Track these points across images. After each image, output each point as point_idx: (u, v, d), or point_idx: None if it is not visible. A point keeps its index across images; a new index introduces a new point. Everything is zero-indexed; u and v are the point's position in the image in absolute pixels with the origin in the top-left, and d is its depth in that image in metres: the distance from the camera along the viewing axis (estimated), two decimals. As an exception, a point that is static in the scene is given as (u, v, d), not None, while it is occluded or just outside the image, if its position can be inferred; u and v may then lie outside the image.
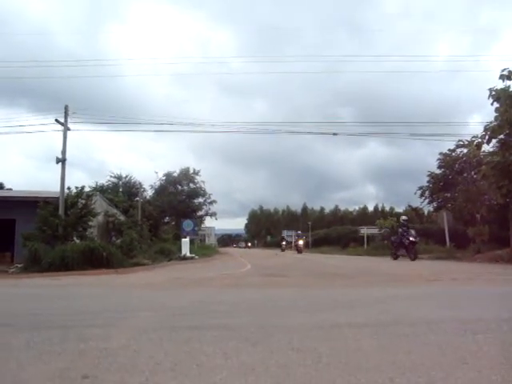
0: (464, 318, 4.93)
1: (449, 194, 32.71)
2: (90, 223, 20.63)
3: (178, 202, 50.05)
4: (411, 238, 22.72)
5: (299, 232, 54.34)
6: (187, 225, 31.87)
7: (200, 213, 53.86)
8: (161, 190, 51.68)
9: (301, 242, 44.93)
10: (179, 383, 2.74)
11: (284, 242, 55.01)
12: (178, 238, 33.05)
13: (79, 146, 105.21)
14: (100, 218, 24.72)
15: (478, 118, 70.89)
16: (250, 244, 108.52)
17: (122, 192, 42.56)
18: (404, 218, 26.12)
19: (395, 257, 24.08)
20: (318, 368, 3.05)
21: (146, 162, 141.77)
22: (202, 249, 39.24)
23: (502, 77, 19.69)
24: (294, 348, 3.60)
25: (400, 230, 24.39)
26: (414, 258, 21.94)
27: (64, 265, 15.63)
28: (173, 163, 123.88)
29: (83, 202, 20.30)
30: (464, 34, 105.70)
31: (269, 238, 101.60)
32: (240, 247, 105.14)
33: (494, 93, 20.09)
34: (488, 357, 3.31)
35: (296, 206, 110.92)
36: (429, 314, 5.48)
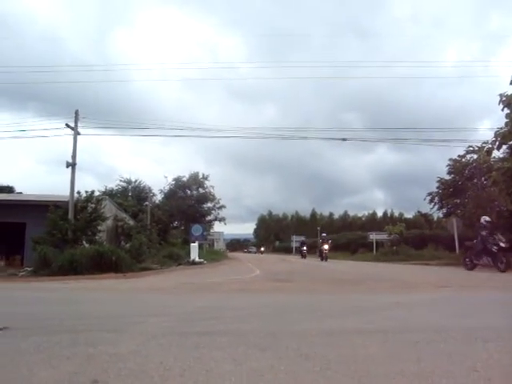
0: (474, 326, 4.90)
1: (458, 200, 32.57)
2: (100, 227, 20.73)
3: (187, 207, 50.19)
4: (501, 244, 18.02)
5: (324, 234, 41.05)
6: (196, 229, 31.89)
7: (209, 218, 54.02)
8: (170, 195, 51.86)
9: (326, 247, 35.11)
10: (188, 389, 2.75)
11: (305, 248, 46.17)
12: (186, 243, 33.08)
13: (88, 150, 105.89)
14: (109, 222, 24.83)
15: (488, 123, 70.77)
16: (262, 249, 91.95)
17: (132, 196, 42.78)
18: (487, 218, 20.00)
19: (472, 266, 19.20)
20: (327, 375, 3.04)
21: (155, 167, 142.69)
22: (210, 254, 39.23)
23: (512, 82, 19.62)
24: (302, 354, 3.59)
25: (483, 233, 19.02)
26: (504, 269, 17.17)
27: (73, 269, 15.70)
28: (182, 168, 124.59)
29: (93, 206, 20.40)
30: (473, 40, 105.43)
31: (277, 243, 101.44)
32: (251, 252, 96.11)
33: (504, 98, 20.02)
34: (499, 365, 3.28)
35: (305, 212, 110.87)
36: (438, 321, 5.44)
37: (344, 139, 26.15)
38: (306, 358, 3.48)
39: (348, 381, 2.90)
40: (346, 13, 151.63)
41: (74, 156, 20.26)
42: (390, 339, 4.20)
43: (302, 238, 69.84)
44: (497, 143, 21.95)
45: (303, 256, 44.68)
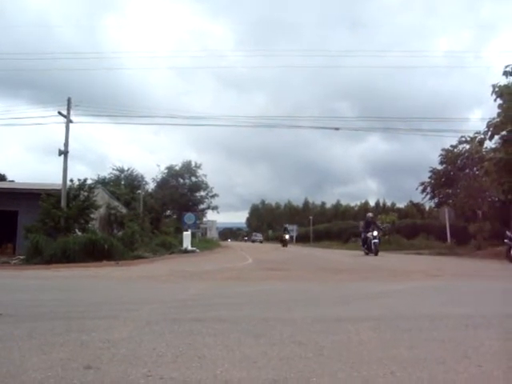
0: (465, 314, 4.94)
1: (450, 190, 32.67)
2: (92, 215, 20.66)
3: (179, 196, 50.15)
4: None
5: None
6: (189, 218, 31.86)
7: (202, 206, 54.01)
8: (163, 183, 51.75)
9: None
10: (181, 375, 2.75)
11: (287, 236, 47.30)
12: (179, 232, 33.03)
13: (80, 138, 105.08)
14: (102, 210, 24.73)
15: (479, 112, 71.01)
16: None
17: (124, 185, 42.62)
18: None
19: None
20: (320, 361, 3.06)
21: (147, 155, 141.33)
22: (203, 242, 39.20)
23: (505, 73, 19.68)
24: (295, 341, 3.61)
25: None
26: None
27: (65, 257, 15.65)
28: (174, 156, 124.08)
29: (85, 194, 20.32)
30: (464, 28, 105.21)
31: (270, 232, 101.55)
32: (255, 241, 77.70)
33: (497, 89, 20.06)
34: (489, 352, 3.31)
35: (297, 201, 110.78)
36: (430, 308, 5.48)
37: (337, 129, 26.19)
38: (299, 345, 3.50)
39: (341, 366, 2.92)
40: (336, 1, 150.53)
41: (66, 144, 20.13)
42: (382, 326, 4.23)
43: (295, 227, 70.18)
44: (489, 133, 21.99)
45: (284, 244, 42.94)
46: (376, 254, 21.01)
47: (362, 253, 22.65)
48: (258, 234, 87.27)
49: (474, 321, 4.43)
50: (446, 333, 3.95)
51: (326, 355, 3.20)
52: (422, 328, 4.14)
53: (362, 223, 29.17)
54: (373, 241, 21.76)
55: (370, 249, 21.97)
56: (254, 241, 79.08)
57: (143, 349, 3.38)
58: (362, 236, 23.65)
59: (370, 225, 22.97)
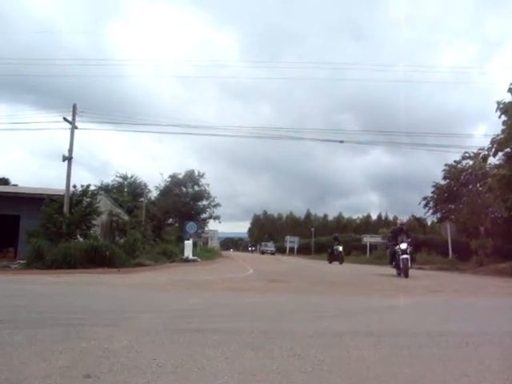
0: (466, 331, 4.91)
1: (453, 206, 32.67)
2: (94, 222, 20.69)
3: (182, 204, 50.13)
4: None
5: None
6: (191, 227, 31.82)
7: (204, 215, 53.97)
8: (165, 192, 51.80)
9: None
10: (180, 386, 2.75)
11: (341, 248, 31.82)
12: (180, 240, 33.05)
13: (84, 144, 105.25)
14: (104, 217, 24.79)
15: (483, 128, 71.06)
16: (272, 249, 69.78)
17: (127, 192, 42.65)
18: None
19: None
20: (319, 376, 3.05)
21: (150, 163, 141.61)
22: (204, 252, 39.20)
23: (510, 90, 19.67)
24: (295, 355, 3.60)
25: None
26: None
27: (66, 262, 15.68)
28: (177, 165, 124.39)
29: (88, 200, 20.37)
30: (470, 44, 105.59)
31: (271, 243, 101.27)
32: (266, 252, 66.49)
33: (501, 106, 20.07)
34: (489, 370, 3.29)
35: (299, 212, 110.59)
36: (431, 325, 5.46)
37: (341, 141, 26.21)
38: (299, 359, 3.49)
39: (340, 382, 2.92)
40: (343, 13, 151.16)
41: (70, 150, 20.23)
42: (382, 342, 4.21)
43: (296, 239, 70.01)
44: (493, 150, 21.97)
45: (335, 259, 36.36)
46: (406, 276, 15.06)
47: (393, 271, 16.75)
48: (269, 244, 73.98)
49: (474, 338, 4.41)
50: (447, 350, 3.93)
51: (325, 370, 3.19)
52: (422, 345, 4.13)
53: (388, 234, 23.74)
54: (401, 256, 15.67)
55: (399, 267, 15.86)
56: (263, 252, 67.49)
57: (143, 358, 3.37)
58: (390, 250, 17.65)
59: (399, 235, 16.64)
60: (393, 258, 16.71)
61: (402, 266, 15.52)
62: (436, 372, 3.21)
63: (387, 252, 19.47)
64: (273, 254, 63.73)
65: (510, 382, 3.05)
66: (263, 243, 77.53)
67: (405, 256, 15.53)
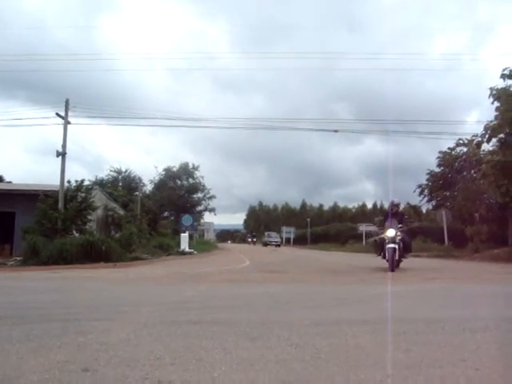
0: (463, 317, 4.94)
1: (448, 193, 32.79)
2: (90, 217, 20.62)
3: (177, 197, 50.08)
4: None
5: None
6: (186, 220, 31.78)
7: (199, 208, 53.98)
8: (160, 185, 51.69)
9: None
10: (179, 378, 2.75)
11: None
12: (176, 233, 33.06)
13: (77, 139, 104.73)
14: (99, 211, 24.71)
15: (476, 114, 71.10)
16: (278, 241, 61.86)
17: (122, 186, 42.51)
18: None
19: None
20: (317, 364, 3.07)
21: (144, 157, 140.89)
22: (200, 244, 39.19)
23: (503, 76, 19.73)
24: (293, 344, 3.61)
25: None
26: None
27: (63, 258, 15.66)
28: (171, 158, 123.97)
29: (83, 195, 20.27)
30: (462, 30, 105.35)
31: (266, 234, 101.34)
32: (270, 243, 58.75)
33: (494, 92, 20.10)
34: (486, 355, 3.31)
35: (295, 203, 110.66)
36: (428, 312, 5.50)
37: (336, 131, 26.17)
38: (297, 348, 3.50)
39: (338, 370, 2.92)
40: (334, 2, 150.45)
41: (64, 145, 20.11)
42: (379, 329, 4.23)
43: (292, 229, 70.07)
44: (486, 136, 22.03)
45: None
46: (392, 270, 12.05)
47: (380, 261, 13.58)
48: (273, 234, 65.81)
49: (471, 324, 4.43)
50: (443, 336, 3.95)
51: (323, 358, 3.21)
52: (419, 331, 4.15)
53: (377, 219, 19.84)
54: (387, 246, 12.54)
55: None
56: (267, 244, 60.16)
57: (141, 351, 3.37)
58: (378, 238, 14.45)
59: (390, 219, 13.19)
60: (381, 248, 13.45)
61: (387, 257, 12.55)
62: (433, 357, 3.23)
63: (373, 241, 15.65)
64: (278, 245, 56.84)
65: (507, 366, 3.07)
66: (266, 233, 68.80)
67: (391, 245, 12.46)
